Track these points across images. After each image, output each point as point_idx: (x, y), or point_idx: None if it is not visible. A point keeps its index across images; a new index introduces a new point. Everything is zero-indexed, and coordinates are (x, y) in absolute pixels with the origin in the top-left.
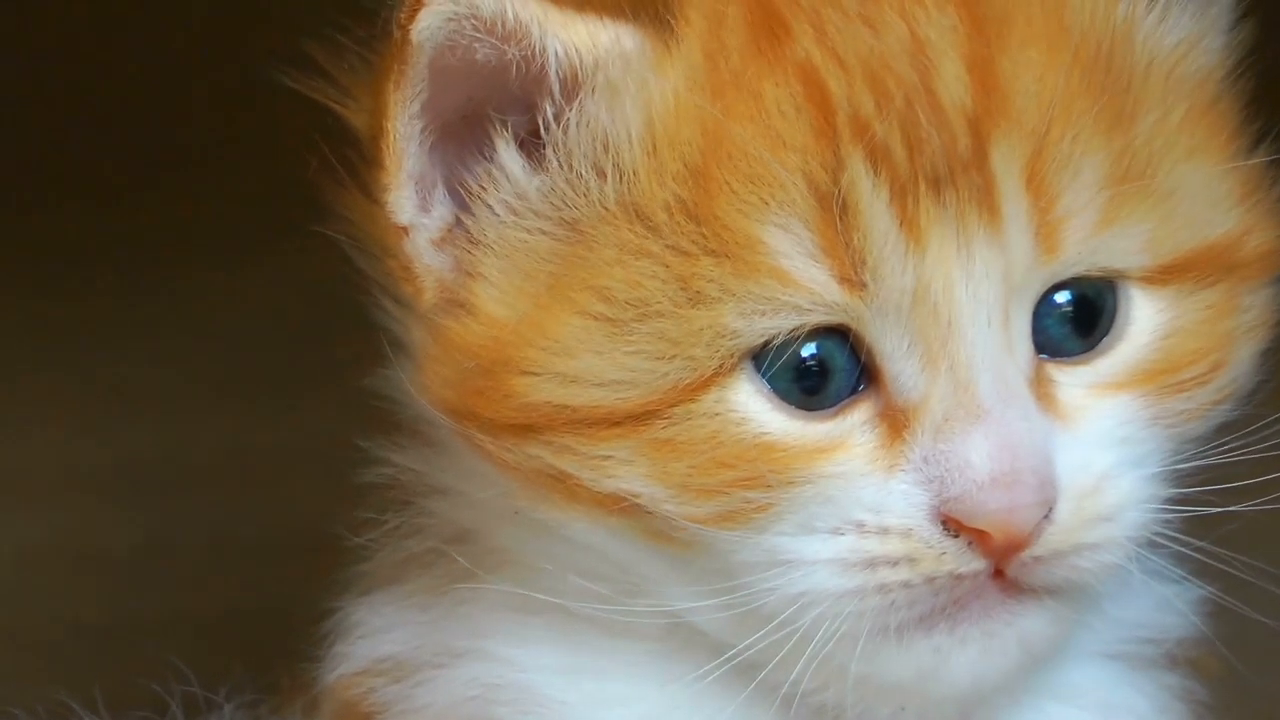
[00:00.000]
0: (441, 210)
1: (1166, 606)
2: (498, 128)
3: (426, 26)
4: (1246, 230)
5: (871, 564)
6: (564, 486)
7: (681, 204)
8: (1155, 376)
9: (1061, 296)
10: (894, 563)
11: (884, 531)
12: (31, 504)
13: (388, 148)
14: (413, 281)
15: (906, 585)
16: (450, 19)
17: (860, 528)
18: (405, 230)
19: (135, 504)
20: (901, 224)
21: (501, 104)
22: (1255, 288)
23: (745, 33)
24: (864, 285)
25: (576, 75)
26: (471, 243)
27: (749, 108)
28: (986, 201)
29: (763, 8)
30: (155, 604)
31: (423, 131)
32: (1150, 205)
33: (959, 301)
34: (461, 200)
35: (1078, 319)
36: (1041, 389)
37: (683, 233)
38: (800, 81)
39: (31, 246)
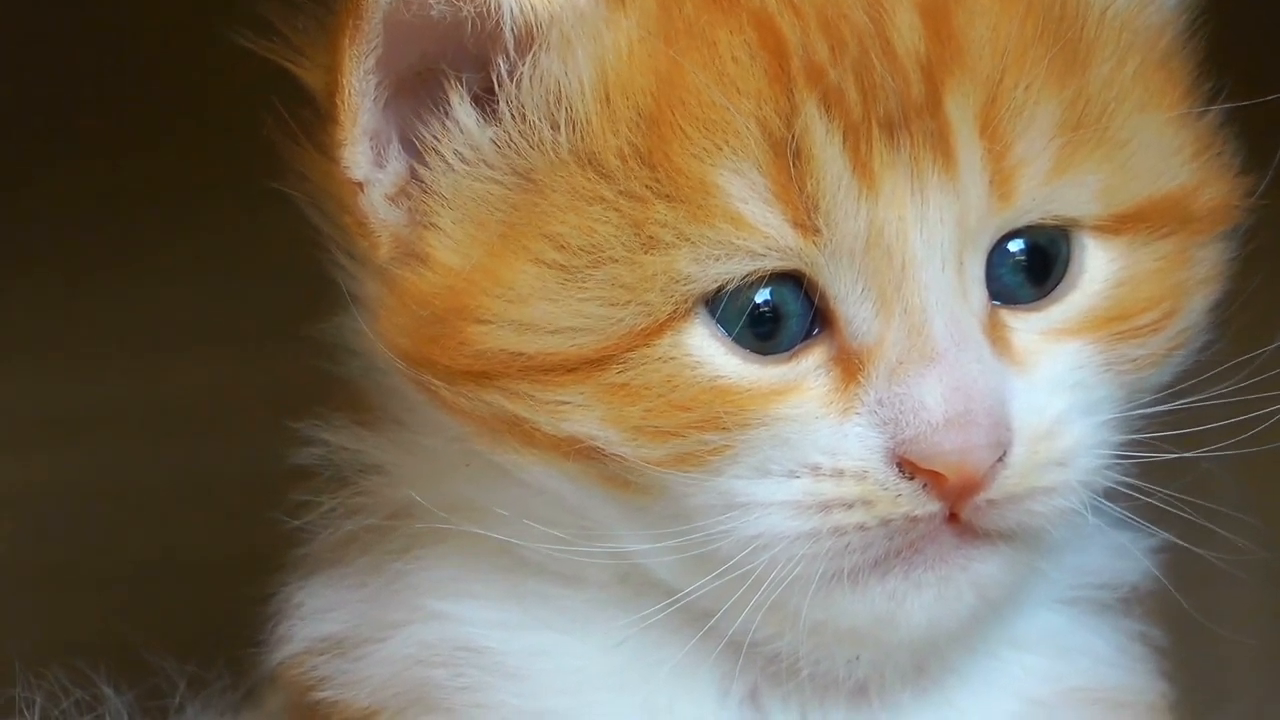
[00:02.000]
0: (396, 165)
1: (1122, 553)
2: (452, 82)
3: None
4: (1199, 185)
5: (826, 507)
6: (520, 431)
7: (635, 150)
8: (1108, 323)
9: (1015, 245)
10: (849, 505)
11: (839, 474)
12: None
13: (342, 103)
14: (368, 236)
15: (861, 528)
16: None
17: (815, 470)
18: (360, 186)
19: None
20: (855, 169)
21: (456, 59)
22: (1206, 242)
23: None
24: (817, 230)
25: (530, 30)
26: (425, 194)
27: (703, 54)
28: (941, 147)
29: None
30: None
31: (377, 87)
32: (1103, 154)
33: (913, 245)
34: (416, 153)
35: (1031, 267)
36: (996, 334)
37: (636, 178)
38: (754, 28)
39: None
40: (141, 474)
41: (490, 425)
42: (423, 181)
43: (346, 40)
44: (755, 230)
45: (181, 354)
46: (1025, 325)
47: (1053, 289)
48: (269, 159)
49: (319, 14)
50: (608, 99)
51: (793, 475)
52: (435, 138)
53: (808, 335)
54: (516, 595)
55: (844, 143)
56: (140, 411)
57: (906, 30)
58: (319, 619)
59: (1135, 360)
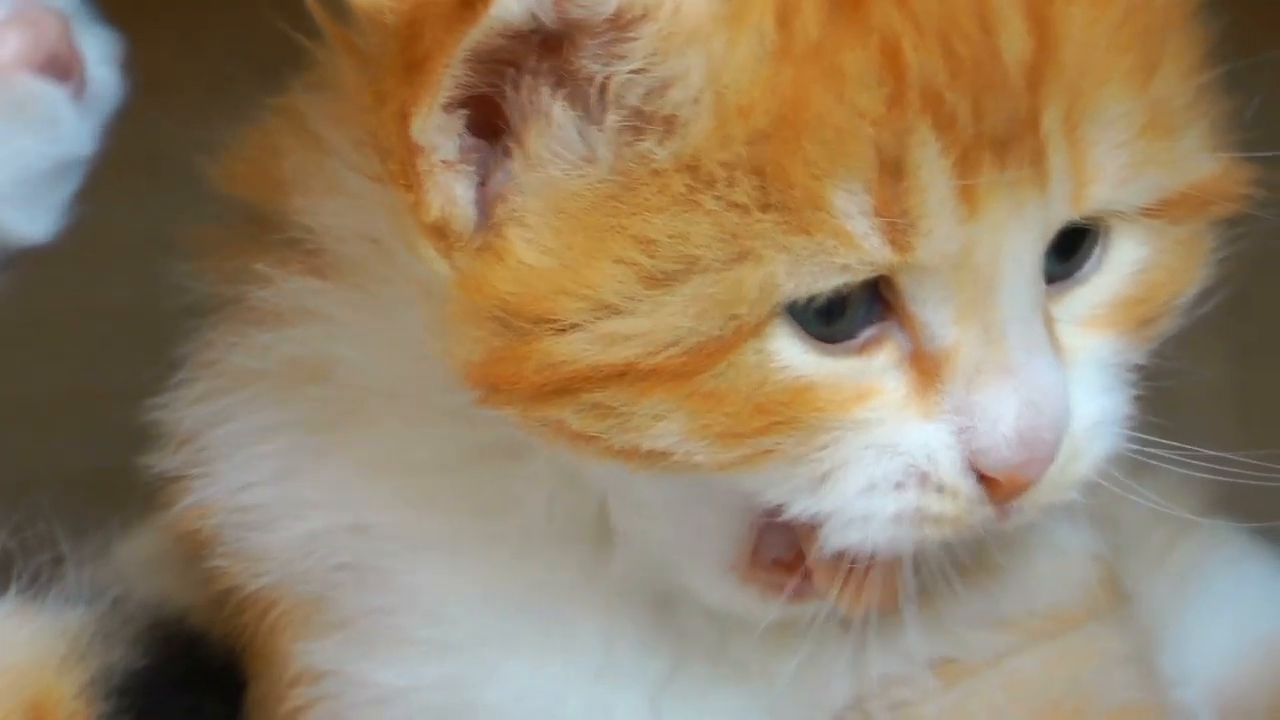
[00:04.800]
0: (458, 126)
1: (1062, 576)
2: (542, 76)
3: (514, 6)
4: (1224, 171)
5: (923, 520)
6: (587, 440)
7: (742, 160)
8: (1135, 306)
9: None
10: (939, 521)
11: (941, 488)
12: None
13: (426, 81)
14: (417, 192)
15: (941, 538)
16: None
17: (923, 480)
18: (421, 148)
19: None
20: (960, 192)
21: (555, 49)
22: (1215, 225)
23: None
24: (911, 247)
25: (638, 26)
26: (502, 179)
27: (828, 79)
28: (1039, 163)
29: None
30: None
31: (466, 74)
32: (1165, 151)
33: (1003, 265)
34: (496, 130)
35: (1061, 246)
36: (1049, 331)
37: (740, 187)
38: (879, 50)
39: None
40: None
41: (555, 439)
42: (501, 165)
43: (451, 33)
44: (857, 247)
45: None
46: (1064, 314)
47: (1078, 268)
48: None
49: None
50: (722, 112)
51: (900, 487)
52: (521, 128)
53: (867, 318)
54: (438, 509)
55: (953, 166)
56: None
57: (1016, 38)
58: (230, 478)
59: (1144, 342)
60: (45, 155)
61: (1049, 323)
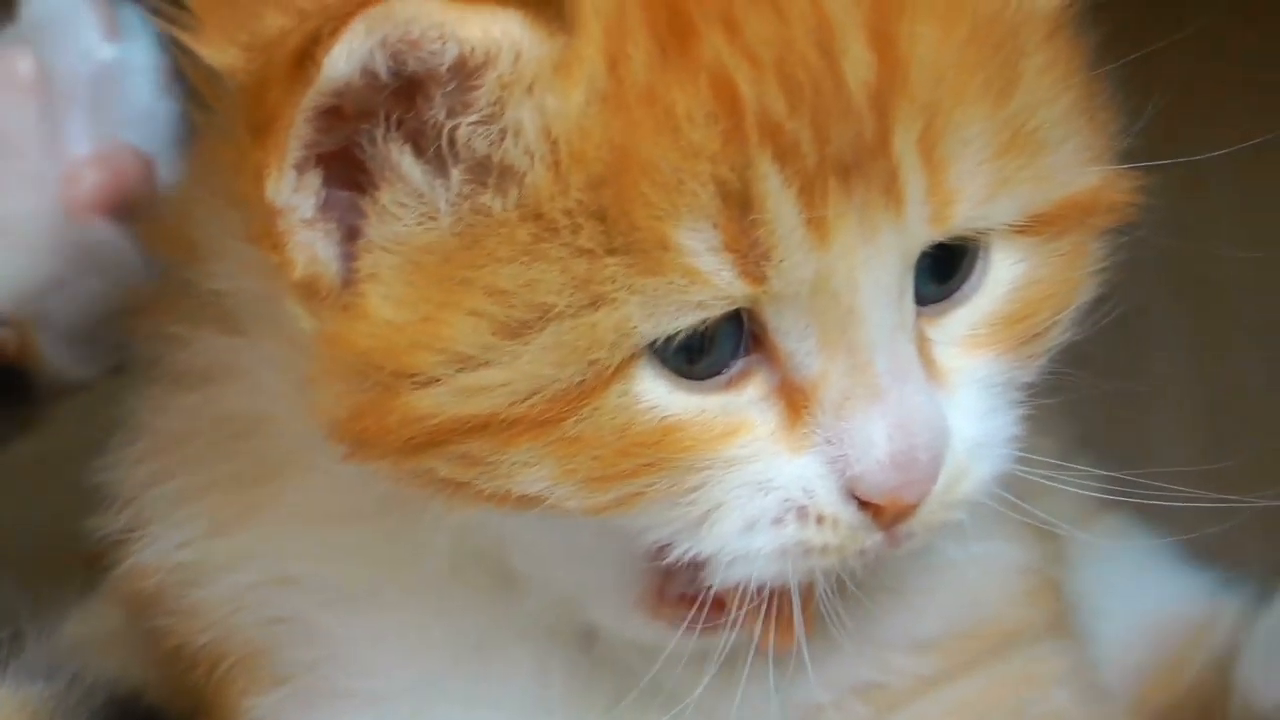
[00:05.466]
0: (314, 184)
1: (985, 593)
2: (393, 132)
3: (343, 59)
4: (1104, 182)
5: (808, 552)
6: (458, 488)
7: (584, 207)
8: (1016, 324)
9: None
10: (825, 550)
11: (821, 519)
12: None
13: (274, 144)
14: (280, 253)
15: (825, 568)
16: (368, 51)
17: (802, 514)
18: (279, 210)
19: None
20: (808, 220)
21: (408, 100)
22: (1099, 237)
23: (650, 39)
24: (765, 278)
25: (481, 74)
26: (362, 244)
27: (659, 120)
28: (890, 186)
29: (667, 8)
30: None
31: (313, 134)
32: (1032, 167)
33: (861, 290)
34: (349, 186)
35: (937, 269)
36: (923, 353)
37: (584, 233)
38: (710, 87)
39: None
40: None
41: (426, 487)
42: (356, 220)
43: (290, 95)
44: (708, 284)
45: None
46: (942, 335)
47: (957, 289)
48: None
49: None
50: (556, 161)
51: (779, 522)
52: (374, 184)
53: (735, 352)
54: (360, 559)
55: (798, 195)
56: None
57: (858, 63)
58: (167, 537)
59: (1029, 359)
60: (109, 297)
61: (923, 344)
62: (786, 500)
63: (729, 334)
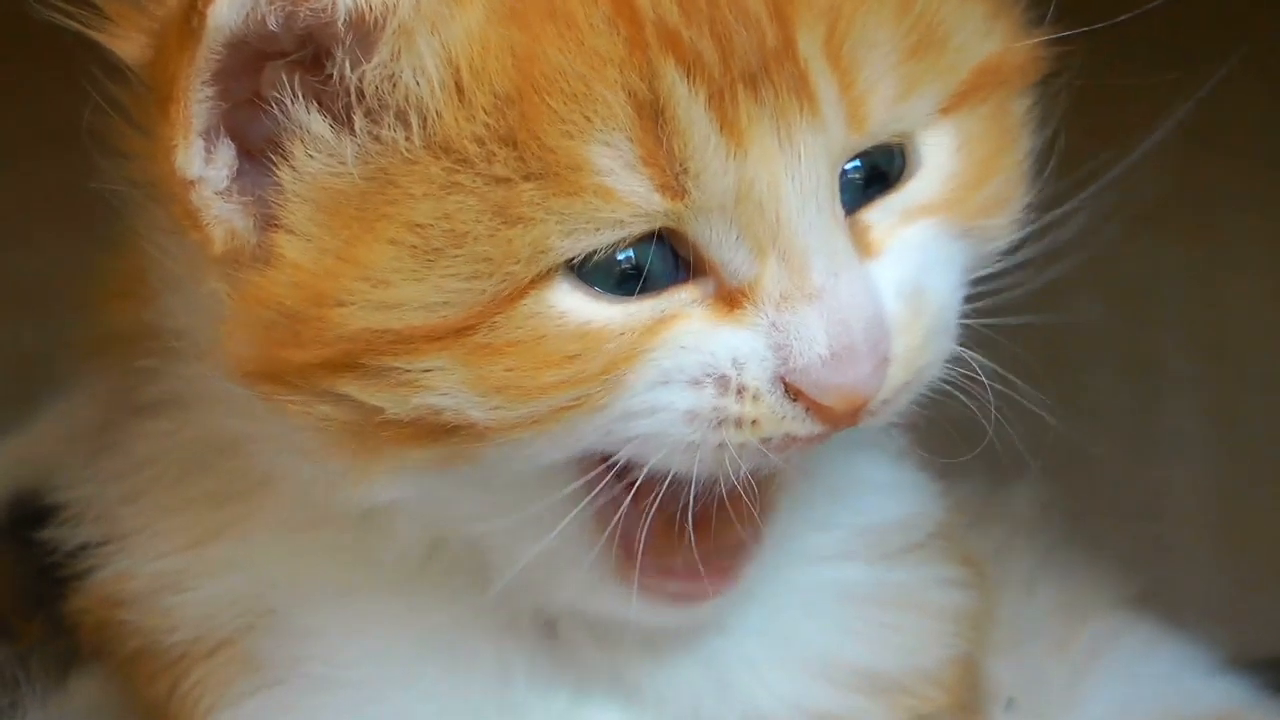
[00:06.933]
0: (226, 156)
1: (907, 496)
2: (296, 87)
3: (226, 6)
4: (1007, 45)
5: (721, 423)
6: (369, 434)
7: (495, 133)
8: (956, 190)
9: (850, 165)
10: (739, 424)
11: (741, 391)
12: None
13: (177, 111)
14: (200, 230)
15: (742, 447)
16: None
17: (722, 382)
18: (192, 183)
19: None
20: (721, 128)
21: (297, 59)
22: (1018, 95)
23: None
24: (685, 191)
25: (369, 26)
26: (272, 194)
27: (560, 28)
28: (803, 89)
29: None
30: None
31: (214, 96)
32: (940, 60)
33: (786, 195)
34: (257, 150)
35: (869, 181)
36: (860, 241)
37: (498, 161)
38: None
39: None
40: None
41: (335, 433)
42: (267, 181)
43: (184, 55)
44: (622, 201)
45: None
46: (883, 216)
47: (895, 179)
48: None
49: None
50: (459, 87)
51: (697, 384)
52: (279, 138)
53: (670, 280)
54: (334, 560)
55: (708, 103)
56: None
57: None
58: (142, 549)
59: (982, 221)
60: None
61: (862, 231)
62: (710, 366)
63: (661, 265)
